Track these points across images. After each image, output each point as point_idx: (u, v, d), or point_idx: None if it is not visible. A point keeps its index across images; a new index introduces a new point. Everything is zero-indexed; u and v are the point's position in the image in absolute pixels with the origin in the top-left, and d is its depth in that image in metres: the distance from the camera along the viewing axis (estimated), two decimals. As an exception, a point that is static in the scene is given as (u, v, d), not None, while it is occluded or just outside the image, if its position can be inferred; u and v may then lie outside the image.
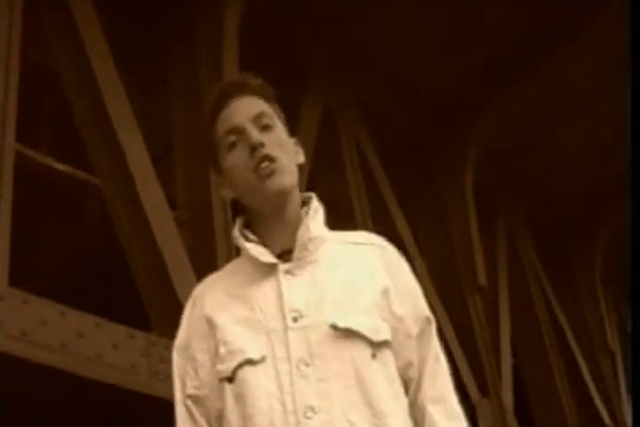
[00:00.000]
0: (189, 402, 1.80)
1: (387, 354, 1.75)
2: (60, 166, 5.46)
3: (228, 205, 5.57)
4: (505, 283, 8.45)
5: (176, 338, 1.90)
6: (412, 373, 1.81)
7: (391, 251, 1.92)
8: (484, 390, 7.26)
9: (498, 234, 8.74)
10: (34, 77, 5.27)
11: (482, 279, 7.63)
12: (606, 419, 8.83)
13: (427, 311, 1.86)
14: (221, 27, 5.94)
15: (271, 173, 1.78)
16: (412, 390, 1.80)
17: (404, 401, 1.76)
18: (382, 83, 7.58)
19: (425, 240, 7.79)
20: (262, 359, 1.69)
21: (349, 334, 1.70)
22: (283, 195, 1.80)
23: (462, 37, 7.24)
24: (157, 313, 4.95)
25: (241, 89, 1.90)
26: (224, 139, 1.84)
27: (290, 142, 1.89)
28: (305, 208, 1.85)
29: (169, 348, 5.17)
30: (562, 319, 9.13)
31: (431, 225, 7.99)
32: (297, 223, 1.81)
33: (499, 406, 7.26)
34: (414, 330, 1.82)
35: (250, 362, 1.70)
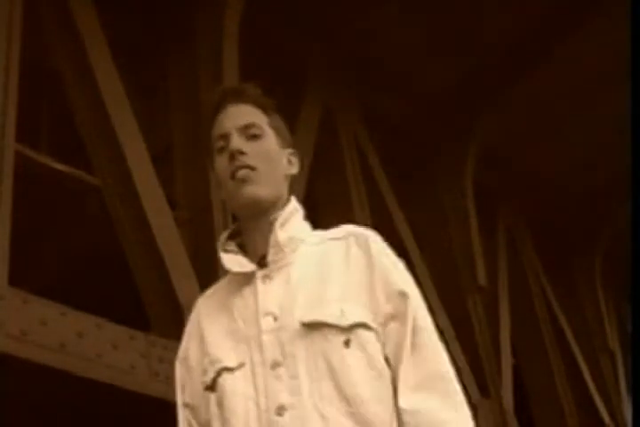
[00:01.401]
0: (187, 411, 1.87)
1: (363, 336, 1.74)
2: (59, 166, 5.46)
3: (228, 208, 5.57)
4: (505, 283, 8.45)
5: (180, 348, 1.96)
6: (395, 363, 1.77)
7: (367, 237, 1.90)
8: (484, 390, 7.26)
9: (498, 234, 8.74)
10: (34, 77, 5.27)
11: (482, 279, 7.63)
12: (606, 419, 8.83)
13: (400, 286, 1.82)
14: (221, 27, 5.94)
15: (246, 181, 1.83)
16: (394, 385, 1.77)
17: (385, 384, 1.74)
18: (382, 83, 7.58)
19: (425, 240, 7.79)
20: (240, 366, 1.76)
21: (317, 326, 1.73)
22: (255, 204, 1.84)
23: (462, 37, 7.24)
24: (157, 313, 4.96)
25: (239, 96, 1.94)
26: (215, 143, 1.91)
27: (281, 153, 1.93)
28: (280, 214, 1.87)
29: (168, 348, 5.19)
30: (562, 319, 9.13)
31: (431, 225, 7.99)
32: (272, 228, 1.86)
33: (499, 406, 7.27)
34: (390, 310, 1.79)
35: (227, 370, 1.77)
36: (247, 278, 1.84)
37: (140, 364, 4.51)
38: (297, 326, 1.74)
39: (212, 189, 5.57)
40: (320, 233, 1.94)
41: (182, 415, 1.88)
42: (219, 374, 1.77)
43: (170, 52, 6.29)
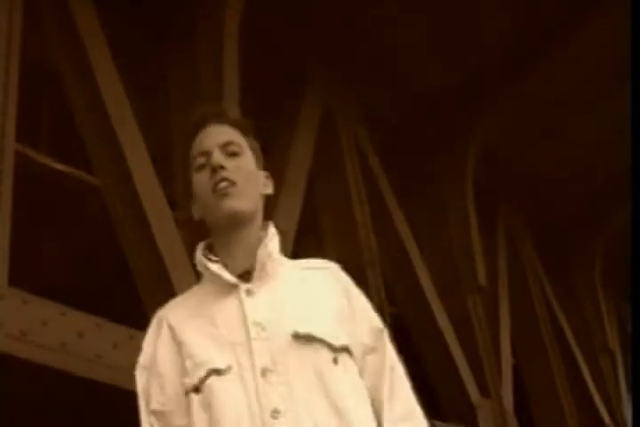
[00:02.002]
0: (153, 418, 1.88)
1: (347, 360, 1.83)
2: (59, 166, 5.47)
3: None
4: (505, 283, 8.45)
5: (139, 358, 1.97)
6: (375, 393, 1.88)
7: (343, 274, 1.98)
8: (484, 390, 7.26)
9: (498, 234, 8.74)
10: (34, 77, 5.27)
11: (482, 279, 7.63)
12: (606, 419, 8.83)
13: (379, 323, 1.94)
14: (221, 27, 5.94)
15: (226, 195, 1.88)
16: (377, 411, 1.86)
17: (368, 401, 1.84)
18: (382, 83, 7.58)
19: (425, 240, 7.79)
20: (228, 369, 1.77)
21: (310, 339, 1.79)
22: (236, 216, 1.89)
23: (462, 37, 7.24)
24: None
25: (218, 117, 2.01)
26: (195, 160, 1.95)
27: (257, 173, 1.99)
28: (263, 232, 1.93)
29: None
30: (562, 319, 9.13)
31: (431, 225, 7.99)
32: (255, 246, 1.90)
33: (499, 406, 7.27)
34: (370, 343, 1.90)
35: (216, 372, 1.78)
36: (227, 290, 1.87)
37: (140, 364, 4.50)
38: (288, 336, 1.78)
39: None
40: (292, 261, 2.00)
41: (148, 424, 1.89)
42: (207, 375, 1.78)
43: (170, 52, 6.29)
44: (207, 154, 1.93)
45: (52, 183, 5.85)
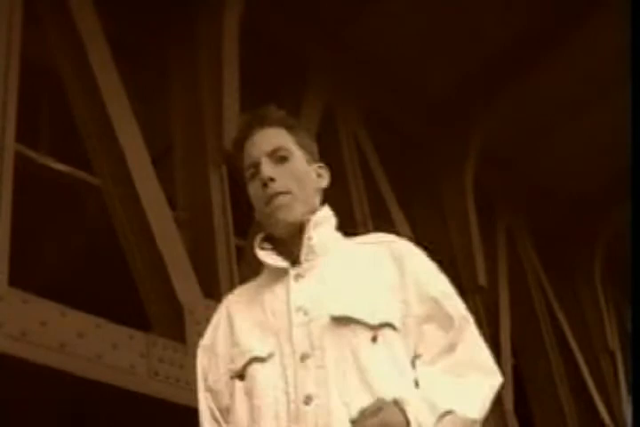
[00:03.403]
0: (208, 395, 1.96)
1: (390, 335, 1.84)
2: (60, 166, 5.46)
3: (228, 208, 5.57)
4: (505, 283, 8.44)
5: (203, 338, 2.07)
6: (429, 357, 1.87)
7: (400, 244, 1.99)
8: (483, 390, 7.24)
9: (498, 234, 8.74)
10: (34, 78, 5.27)
11: (482, 279, 7.63)
12: (606, 419, 8.82)
13: (434, 291, 1.91)
14: (221, 27, 5.94)
15: (279, 207, 1.93)
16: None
17: (410, 375, 1.84)
18: (382, 83, 7.58)
19: (425, 240, 7.77)
20: (270, 357, 1.84)
21: (347, 320, 1.82)
22: (292, 226, 1.95)
23: (462, 38, 7.24)
24: (157, 313, 4.96)
25: (262, 121, 2.03)
26: (246, 171, 2.01)
27: (309, 171, 2.02)
28: (312, 220, 1.97)
29: (168, 348, 5.20)
30: (562, 319, 9.13)
31: (431, 225, 7.99)
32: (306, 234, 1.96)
33: (499, 405, 7.26)
34: (422, 313, 1.89)
35: (257, 359, 1.85)
36: (279, 276, 1.94)
37: (139, 364, 4.51)
38: (327, 319, 1.82)
39: (211, 189, 5.58)
40: (350, 239, 2.04)
41: (203, 400, 1.97)
42: (249, 363, 1.86)
43: (170, 52, 6.29)
44: (256, 165, 1.97)
45: (52, 183, 5.84)
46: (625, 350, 9.74)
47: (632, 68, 4.84)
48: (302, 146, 2.04)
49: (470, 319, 1.95)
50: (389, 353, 1.82)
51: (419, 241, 7.56)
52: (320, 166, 2.06)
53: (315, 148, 2.09)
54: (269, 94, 6.61)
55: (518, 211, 9.07)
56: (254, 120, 2.04)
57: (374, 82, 7.54)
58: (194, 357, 4.94)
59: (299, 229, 1.95)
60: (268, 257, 1.96)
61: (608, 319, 9.67)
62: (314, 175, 2.03)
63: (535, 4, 7.10)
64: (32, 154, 5.30)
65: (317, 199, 2.02)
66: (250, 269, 5.58)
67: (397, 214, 7.40)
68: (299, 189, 1.96)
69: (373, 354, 1.80)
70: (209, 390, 1.97)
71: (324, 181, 2.06)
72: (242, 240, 5.82)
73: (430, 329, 1.88)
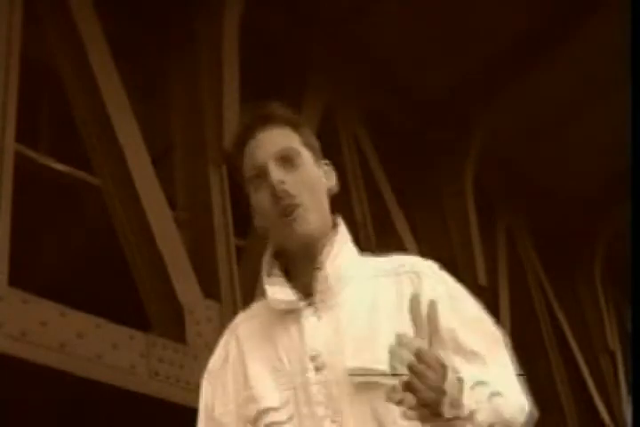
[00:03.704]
0: (211, 424, 1.83)
1: None
2: (59, 166, 5.46)
3: (228, 208, 5.57)
4: (505, 283, 8.44)
5: (209, 362, 1.90)
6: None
7: (421, 274, 1.82)
8: (484, 390, 7.25)
9: (498, 234, 8.74)
10: (34, 77, 5.27)
11: (482, 279, 7.63)
12: (606, 419, 8.83)
13: (452, 323, 1.74)
14: (221, 28, 5.93)
15: (295, 220, 1.77)
16: None
17: None
18: (382, 83, 7.58)
19: (425, 240, 7.79)
20: (283, 406, 1.71)
21: (366, 375, 1.68)
22: (309, 239, 1.79)
23: (462, 37, 7.24)
24: (157, 313, 4.96)
25: (266, 119, 1.87)
26: (250, 177, 1.83)
27: (318, 171, 1.88)
28: (329, 246, 1.80)
29: (168, 348, 5.18)
30: (562, 319, 9.13)
31: (431, 225, 7.99)
32: (322, 259, 1.79)
33: (499, 406, 7.26)
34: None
35: (272, 410, 1.72)
36: (291, 311, 1.78)
37: (139, 364, 4.51)
38: (344, 373, 1.69)
39: (211, 189, 5.58)
40: (370, 262, 1.87)
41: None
42: (264, 412, 1.73)
43: (170, 52, 6.29)
44: (262, 170, 1.80)
45: (52, 183, 5.84)
46: (625, 350, 9.74)
47: (632, 68, 4.84)
48: (308, 145, 1.89)
49: (500, 341, 1.84)
50: None
51: (419, 241, 7.52)
52: (326, 164, 1.93)
53: (317, 144, 1.94)
54: (269, 95, 6.61)
55: (518, 211, 9.07)
56: (257, 119, 1.87)
57: (374, 82, 7.54)
58: (194, 357, 4.95)
59: (314, 246, 1.79)
60: (278, 294, 1.78)
61: (608, 319, 9.68)
62: (323, 177, 1.89)
63: (535, 4, 7.10)
64: (32, 154, 5.30)
65: (328, 204, 1.87)
66: (250, 270, 5.58)
67: (397, 214, 7.40)
68: (312, 197, 1.81)
69: (397, 418, 1.61)
70: (212, 419, 1.83)
71: (332, 180, 1.92)
72: (242, 240, 5.82)
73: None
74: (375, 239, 6.84)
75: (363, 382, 1.68)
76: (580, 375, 8.88)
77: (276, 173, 1.79)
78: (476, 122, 7.90)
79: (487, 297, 7.88)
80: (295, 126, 1.89)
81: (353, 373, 1.68)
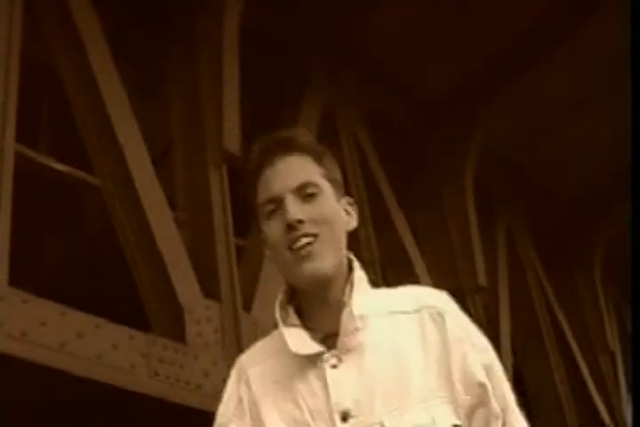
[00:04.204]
0: None
1: None
2: (60, 166, 5.46)
3: (228, 208, 5.57)
4: (505, 283, 8.44)
5: (217, 414, 1.76)
6: None
7: (441, 311, 1.72)
8: (484, 390, 7.24)
9: (498, 234, 8.74)
10: (34, 78, 5.27)
11: (482, 279, 7.63)
12: (606, 419, 8.83)
13: (477, 376, 1.67)
14: (221, 27, 5.94)
15: (308, 256, 1.63)
16: None
17: None
18: (382, 83, 7.58)
19: (425, 240, 7.79)
20: None
21: None
22: (320, 280, 1.65)
23: (462, 37, 7.24)
24: (157, 313, 4.96)
25: (287, 146, 1.72)
26: (263, 205, 1.70)
27: (339, 209, 1.73)
28: (348, 285, 1.69)
29: (168, 348, 5.18)
30: (562, 319, 9.13)
31: (431, 225, 7.99)
32: (340, 302, 1.67)
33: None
34: (470, 400, 1.65)
35: None
36: (311, 357, 1.64)
37: (139, 364, 4.51)
38: None
39: (211, 189, 5.58)
40: (384, 296, 1.76)
41: None
42: None
43: (170, 53, 6.29)
44: (278, 201, 1.66)
45: (52, 183, 5.84)
46: (625, 350, 9.75)
47: (632, 68, 4.84)
48: (331, 179, 1.72)
49: (515, 411, 1.73)
50: None
51: (419, 241, 7.53)
52: (348, 202, 1.76)
53: (341, 178, 1.77)
54: (269, 95, 6.61)
55: (518, 211, 9.08)
56: (278, 143, 1.72)
57: (374, 82, 7.54)
58: (194, 357, 4.96)
59: (328, 285, 1.66)
60: (296, 339, 1.64)
61: (608, 319, 9.68)
62: (343, 214, 1.73)
63: (535, 4, 7.10)
64: (32, 154, 5.30)
65: (345, 244, 1.71)
66: (250, 270, 5.59)
67: (397, 214, 7.40)
68: (329, 232, 1.66)
69: None
70: None
71: (353, 221, 1.75)
72: (242, 240, 5.82)
73: (482, 414, 1.65)
74: (375, 239, 6.85)
75: None
76: (580, 375, 8.88)
77: (294, 205, 1.66)
78: (476, 122, 7.90)
79: (487, 297, 7.88)
80: (319, 157, 1.74)
81: None
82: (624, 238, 7.18)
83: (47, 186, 5.99)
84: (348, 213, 1.75)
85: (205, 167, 5.66)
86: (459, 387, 1.64)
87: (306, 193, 1.68)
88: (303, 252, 1.64)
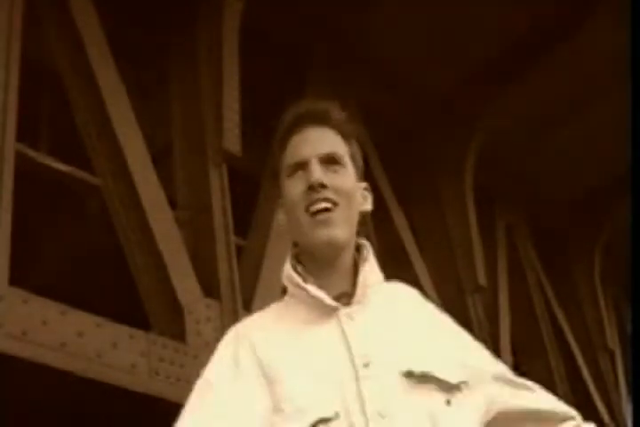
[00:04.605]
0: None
1: (461, 398, 1.64)
2: (60, 166, 5.46)
3: (228, 208, 5.57)
4: (505, 283, 8.45)
5: (205, 371, 1.76)
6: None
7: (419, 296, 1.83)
8: (483, 389, 7.24)
9: (498, 234, 8.74)
10: (34, 77, 5.28)
11: (482, 279, 7.63)
12: (606, 418, 8.83)
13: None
14: (221, 26, 5.94)
15: (326, 222, 1.64)
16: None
17: None
18: (382, 83, 7.58)
19: (425, 240, 7.79)
20: (336, 416, 1.56)
21: (425, 379, 1.60)
22: (333, 247, 1.66)
23: (462, 38, 7.24)
24: (157, 313, 4.96)
25: (322, 118, 1.74)
26: (288, 168, 1.71)
27: (357, 189, 1.76)
28: (359, 254, 1.73)
29: (168, 347, 5.19)
30: (562, 319, 9.13)
31: (431, 225, 7.99)
32: (350, 269, 1.70)
33: (498, 405, 7.25)
34: (493, 370, 1.78)
35: (323, 421, 1.56)
36: (323, 315, 1.66)
37: (140, 363, 4.51)
38: (400, 373, 1.59)
39: (211, 189, 5.58)
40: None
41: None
42: (315, 424, 1.56)
43: (170, 52, 6.29)
44: (304, 165, 1.68)
45: (52, 183, 5.85)
46: (624, 349, 9.75)
47: (632, 68, 4.85)
48: (355, 160, 1.76)
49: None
50: (462, 416, 1.62)
51: (419, 241, 7.54)
52: (365, 187, 1.81)
53: (362, 164, 1.81)
54: (269, 95, 6.61)
55: (518, 210, 9.08)
56: (312, 114, 1.73)
57: (374, 81, 7.54)
58: (194, 356, 4.96)
59: (340, 252, 1.68)
60: (318, 292, 1.65)
61: (607, 319, 9.67)
62: (359, 196, 1.77)
63: (535, 5, 7.09)
64: (32, 154, 5.30)
65: (356, 225, 1.73)
66: (250, 269, 5.59)
67: (397, 214, 7.41)
68: (346, 206, 1.68)
69: (449, 418, 1.58)
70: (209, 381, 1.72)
71: (368, 205, 1.80)
72: (242, 240, 5.83)
73: (496, 388, 1.73)
74: (375, 239, 6.85)
75: (418, 386, 1.59)
76: (580, 375, 8.88)
77: (318, 171, 1.67)
78: (476, 122, 7.90)
79: (487, 297, 7.89)
80: (347, 136, 1.77)
81: (411, 374, 1.59)
82: (624, 238, 7.18)
83: (47, 186, 5.99)
84: (364, 197, 1.80)
85: (205, 167, 5.66)
86: (479, 354, 1.77)
87: (332, 162, 1.69)
88: (321, 217, 1.64)
